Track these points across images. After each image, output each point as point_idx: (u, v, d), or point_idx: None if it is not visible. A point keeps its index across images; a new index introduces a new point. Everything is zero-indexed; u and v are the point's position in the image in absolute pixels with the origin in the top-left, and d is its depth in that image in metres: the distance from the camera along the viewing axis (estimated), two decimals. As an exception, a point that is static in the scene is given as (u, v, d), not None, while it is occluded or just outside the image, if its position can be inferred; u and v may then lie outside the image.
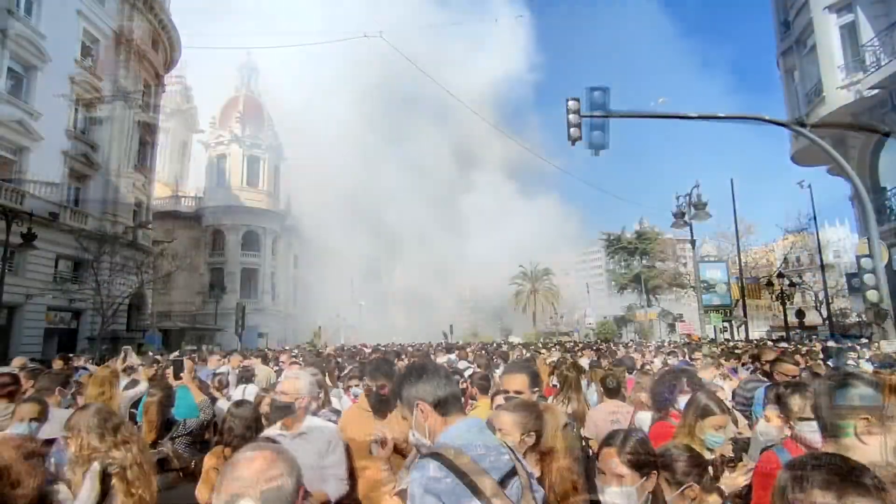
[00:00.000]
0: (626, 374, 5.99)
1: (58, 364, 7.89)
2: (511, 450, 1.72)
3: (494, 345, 26.82)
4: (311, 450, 2.85)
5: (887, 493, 1.13)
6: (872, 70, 15.81)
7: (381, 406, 3.24)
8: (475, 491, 1.50)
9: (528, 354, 13.06)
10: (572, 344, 27.69)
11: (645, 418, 3.54)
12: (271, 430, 2.97)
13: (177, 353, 10.22)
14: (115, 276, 24.64)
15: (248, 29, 76.43)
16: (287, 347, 25.09)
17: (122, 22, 28.13)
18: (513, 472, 1.62)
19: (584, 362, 8.31)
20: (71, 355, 9.61)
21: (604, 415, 4.15)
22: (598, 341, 35.99)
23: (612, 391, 4.46)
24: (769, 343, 18.66)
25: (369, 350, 17.40)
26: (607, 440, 2.07)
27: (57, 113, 23.11)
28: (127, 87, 27.72)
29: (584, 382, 5.58)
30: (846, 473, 1.16)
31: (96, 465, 2.21)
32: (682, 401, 3.25)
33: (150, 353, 14.21)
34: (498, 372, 5.88)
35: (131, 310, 28.43)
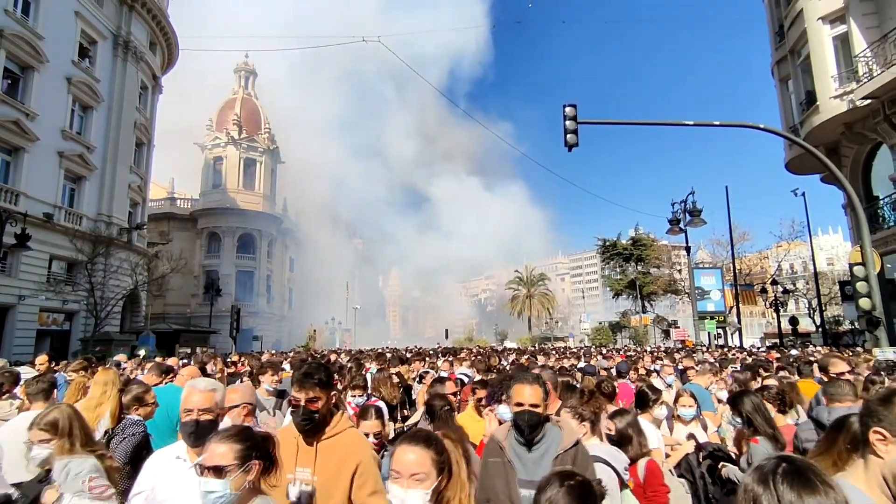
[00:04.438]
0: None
1: (42, 360, 7.96)
2: None
3: (490, 349, 26.86)
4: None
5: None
6: (865, 80, 16.00)
7: (309, 427, 2.30)
8: None
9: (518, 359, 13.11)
10: (564, 349, 27.78)
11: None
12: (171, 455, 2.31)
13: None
14: (110, 278, 24.51)
15: (246, 31, 76.51)
16: (273, 351, 24.99)
17: (120, 23, 28.14)
18: None
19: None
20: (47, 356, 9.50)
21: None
22: (595, 346, 36.06)
23: (607, 397, 4.49)
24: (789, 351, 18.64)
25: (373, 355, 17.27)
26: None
27: (53, 113, 23.05)
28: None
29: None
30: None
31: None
32: (503, 408, 3.15)
33: (145, 355, 14.15)
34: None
35: (125, 312, 28.26)
